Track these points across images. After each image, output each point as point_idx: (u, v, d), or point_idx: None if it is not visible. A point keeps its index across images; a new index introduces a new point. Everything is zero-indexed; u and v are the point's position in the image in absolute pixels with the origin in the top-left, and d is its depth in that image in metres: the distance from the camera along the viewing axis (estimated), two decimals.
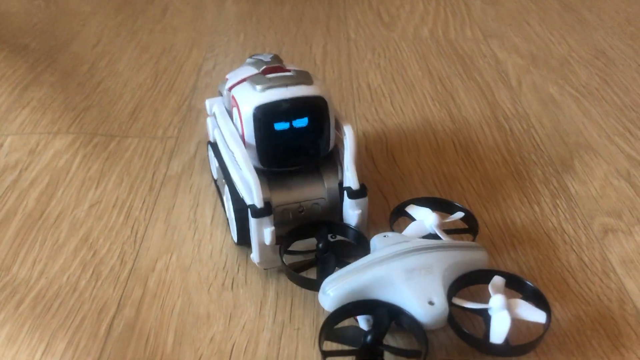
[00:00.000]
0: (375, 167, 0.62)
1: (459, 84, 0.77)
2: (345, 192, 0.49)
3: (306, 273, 0.48)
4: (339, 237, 0.50)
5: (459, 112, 0.71)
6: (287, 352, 0.44)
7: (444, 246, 0.45)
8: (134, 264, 0.51)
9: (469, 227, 0.51)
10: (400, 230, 0.49)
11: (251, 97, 0.47)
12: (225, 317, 0.46)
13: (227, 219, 0.54)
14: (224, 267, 0.50)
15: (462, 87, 0.76)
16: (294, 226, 0.49)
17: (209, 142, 0.58)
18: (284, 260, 0.47)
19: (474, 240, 0.49)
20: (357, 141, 0.49)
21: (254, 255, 0.48)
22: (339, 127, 0.50)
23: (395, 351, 0.42)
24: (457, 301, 0.42)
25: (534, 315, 0.41)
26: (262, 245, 0.47)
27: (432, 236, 0.48)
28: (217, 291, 0.48)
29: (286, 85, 0.47)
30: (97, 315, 0.47)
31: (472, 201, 0.57)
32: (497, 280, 0.43)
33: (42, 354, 0.43)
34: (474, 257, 0.45)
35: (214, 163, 0.57)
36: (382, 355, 0.40)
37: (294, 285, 0.49)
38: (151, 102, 0.74)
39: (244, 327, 0.46)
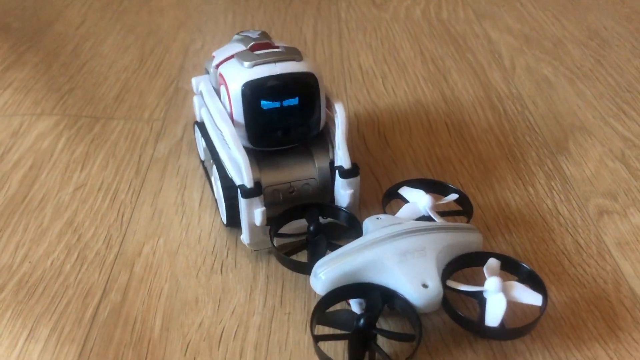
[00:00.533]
0: (367, 148, 0.61)
1: (452, 65, 0.75)
2: (336, 172, 0.48)
3: (297, 256, 0.47)
4: (330, 220, 0.49)
5: (451, 93, 0.70)
6: (278, 337, 0.43)
7: (437, 228, 0.44)
8: (120, 248, 0.50)
9: (463, 210, 0.50)
10: (393, 213, 0.47)
11: (239, 74, 0.46)
12: (214, 302, 0.45)
13: (216, 201, 0.52)
14: (212, 251, 0.49)
15: (455, 68, 0.75)
16: (284, 208, 0.47)
17: (196, 122, 0.57)
18: (274, 243, 0.46)
19: (468, 222, 0.48)
20: (348, 119, 0.48)
21: (244, 237, 0.47)
22: (329, 106, 0.49)
23: (389, 335, 0.41)
24: (452, 284, 0.42)
25: (530, 297, 0.40)
26: (252, 226, 0.46)
27: (426, 218, 0.47)
28: (206, 275, 0.47)
29: (275, 61, 0.46)
30: (82, 301, 0.45)
31: (466, 183, 0.56)
32: (492, 262, 0.42)
33: (26, 340, 0.42)
34: (468, 239, 0.44)
35: (201, 143, 0.55)
36: (375, 339, 0.39)
37: (285, 268, 0.48)
38: (137, 84, 0.72)
39: (233, 311, 0.44)
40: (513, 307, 0.41)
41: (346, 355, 0.40)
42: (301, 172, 0.48)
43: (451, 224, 0.45)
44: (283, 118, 0.46)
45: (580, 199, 0.55)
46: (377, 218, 0.45)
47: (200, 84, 0.52)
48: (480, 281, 0.41)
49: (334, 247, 0.44)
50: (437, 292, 0.40)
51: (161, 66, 0.75)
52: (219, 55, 0.50)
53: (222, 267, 0.48)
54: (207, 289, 0.46)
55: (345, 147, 0.47)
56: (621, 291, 0.46)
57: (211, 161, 0.50)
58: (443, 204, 0.49)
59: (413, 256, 0.41)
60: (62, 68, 0.75)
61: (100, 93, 0.70)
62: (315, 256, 0.44)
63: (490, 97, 0.69)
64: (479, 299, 0.41)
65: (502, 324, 0.39)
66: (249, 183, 0.44)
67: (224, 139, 0.47)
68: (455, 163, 0.59)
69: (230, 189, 0.47)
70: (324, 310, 0.41)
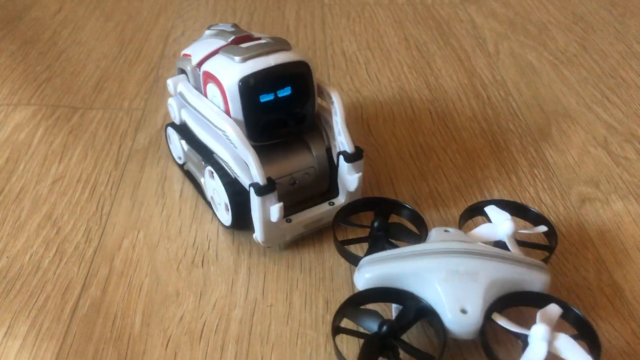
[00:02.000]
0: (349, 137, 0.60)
1: (436, 51, 0.75)
2: (341, 157, 0.47)
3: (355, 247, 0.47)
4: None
5: (435, 80, 0.69)
6: (260, 329, 0.42)
7: (501, 257, 0.40)
8: (99, 242, 0.49)
9: (548, 244, 0.45)
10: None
11: (232, 70, 0.44)
12: (195, 296, 0.45)
13: (209, 204, 0.51)
14: (193, 244, 0.49)
15: (439, 54, 0.74)
16: (287, 201, 0.46)
17: (169, 125, 0.55)
18: (335, 234, 0.45)
19: (549, 257, 0.43)
20: (344, 105, 0.48)
21: (258, 235, 0.46)
22: (320, 93, 0.48)
23: (407, 349, 0.38)
24: (497, 317, 0.38)
25: (578, 357, 0.36)
26: (267, 223, 0.45)
27: (502, 244, 0.43)
28: (187, 269, 0.47)
29: (267, 53, 0.45)
30: (61, 296, 0.45)
31: (449, 172, 0.56)
32: (552, 308, 0.38)
33: (3, 337, 0.42)
34: (531, 277, 0.40)
35: (179, 146, 0.53)
36: (394, 349, 0.37)
37: (267, 260, 0.47)
38: (116, 73, 0.71)
39: (215, 305, 0.44)
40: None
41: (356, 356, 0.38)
42: (300, 163, 0.48)
43: (521, 256, 0.41)
44: (282, 109, 0.46)
45: (563, 187, 0.55)
46: (446, 230, 0.43)
47: (178, 84, 0.50)
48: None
49: (392, 247, 0.43)
50: (475, 320, 0.37)
51: (141, 54, 0.74)
52: (196, 52, 0.49)
53: (203, 259, 0.47)
54: (188, 282, 0.46)
55: (347, 132, 0.47)
56: (602, 279, 0.46)
57: (202, 163, 0.49)
58: (526, 233, 0.45)
59: (461, 278, 0.38)
60: (39, 56, 0.73)
61: (79, 82, 0.69)
62: (371, 252, 0.43)
63: (474, 84, 0.69)
64: (523, 343, 0.37)
65: None
66: (261, 180, 0.43)
67: (222, 139, 0.46)
68: (438, 151, 0.59)
69: (238, 194, 0.46)
70: (356, 305, 0.40)
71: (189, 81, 0.50)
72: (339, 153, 0.48)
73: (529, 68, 0.71)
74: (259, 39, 0.47)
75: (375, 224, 0.45)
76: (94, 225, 0.51)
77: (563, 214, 0.52)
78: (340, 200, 0.49)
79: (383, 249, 0.43)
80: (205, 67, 0.47)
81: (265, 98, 0.45)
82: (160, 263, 0.47)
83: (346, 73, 0.71)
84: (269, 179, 0.44)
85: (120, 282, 0.46)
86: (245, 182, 0.45)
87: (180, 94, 0.50)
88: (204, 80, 0.47)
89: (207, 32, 0.51)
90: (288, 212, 0.47)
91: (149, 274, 0.46)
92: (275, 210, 0.44)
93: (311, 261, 0.48)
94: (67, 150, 0.59)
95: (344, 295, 0.44)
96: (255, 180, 0.44)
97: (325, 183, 0.50)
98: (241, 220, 0.47)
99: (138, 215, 0.51)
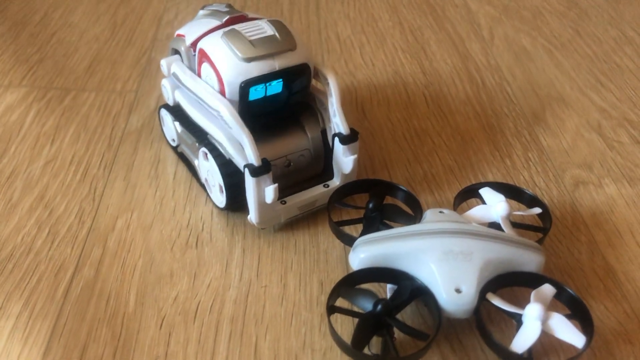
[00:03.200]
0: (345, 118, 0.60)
1: (431, 36, 0.74)
2: (336, 139, 0.47)
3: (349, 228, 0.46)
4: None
5: (430, 65, 0.69)
6: (254, 310, 0.42)
7: (496, 237, 0.40)
8: (92, 223, 0.49)
9: (542, 226, 0.46)
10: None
11: (235, 69, 0.44)
12: (189, 276, 0.45)
13: (203, 186, 0.51)
14: (187, 225, 0.49)
15: (434, 39, 0.74)
16: (281, 183, 0.46)
17: (163, 107, 0.54)
18: (330, 215, 0.45)
19: (543, 239, 0.44)
20: (340, 87, 0.48)
21: (252, 217, 0.46)
22: (317, 75, 0.48)
23: (401, 327, 0.38)
24: (491, 297, 0.38)
25: (571, 336, 0.36)
26: (262, 204, 0.45)
27: (496, 226, 0.43)
28: (181, 250, 0.47)
29: (273, 55, 0.45)
30: (54, 277, 0.44)
31: (443, 155, 0.56)
32: (546, 288, 0.38)
33: None
34: (526, 257, 0.40)
35: (174, 128, 0.53)
36: (388, 327, 0.38)
37: (261, 242, 0.47)
38: (109, 55, 0.70)
39: (209, 285, 0.44)
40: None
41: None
42: (295, 145, 0.48)
43: (515, 237, 0.41)
44: (278, 102, 0.46)
45: (557, 170, 0.55)
46: (440, 211, 0.43)
47: (172, 65, 0.50)
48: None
49: (387, 228, 0.43)
50: (469, 300, 0.37)
51: (133, 36, 0.73)
52: (190, 33, 0.49)
53: (197, 241, 0.47)
54: (182, 263, 0.46)
55: (342, 114, 0.47)
56: (595, 261, 0.47)
57: (196, 144, 0.49)
58: (520, 215, 0.46)
59: (456, 258, 0.39)
60: (30, 38, 0.72)
61: (71, 64, 0.68)
62: (366, 232, 0.43)
63: (468, 69, 0.68)
64: (517, 322, 0.38)
65: (529, 353, 0.36)
66: (256, 161, 0.43)
67: (217, 119, 0.45)
68: (433, 135, 0.59)
69: (232, 175, 0.45)
70: (351, 285, 0.40)
71: (182, 62, 0.50)
72: (334, 135, 0.47)
73: (523, 53, 0.71)
74: (255, 19, 0.47)
75: (370, 205, 0.45)
76: (87, 206, 0.50)
77: (557, 197, 0.52)
78: (335, 182, 0.49)
79: (378, 230, 0.43)
80: (201, 45, 0.46)
81: (260, 95, 0.45)
82: (154, 244, 0.47)
83: (340, 57, 0.70)
84: (263, 160, 0.44)
85: (113, 262, 0.45)
86: (239, 163, 0.45)
87: (174, 75, 0.50)
88: (199, 60, 0.47)
89: (201, 12, 0.51)
90: (283, 194, 0.47)
91: (142, 254, 0.46)
92: (270, 192, 0.44)
93: (305, 243, 0.47)
94: (60, 132, 0.58)
95: (338, 277, 0.44)
96: (250, 161, 0.44)
97: (320, 165, 0.50)
98: (236, 201, 0.47)
99: (131, 196, 0.51)
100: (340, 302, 0.40)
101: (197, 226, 0.48)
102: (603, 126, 0.60)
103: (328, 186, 0.48)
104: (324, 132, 0.49)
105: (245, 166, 0.44)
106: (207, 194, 0.51)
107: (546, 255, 0.46)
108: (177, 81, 0.50)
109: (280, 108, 0.48)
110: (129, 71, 0.67)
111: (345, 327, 0.41)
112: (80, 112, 0.61)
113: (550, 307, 0.38)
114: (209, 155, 0.47)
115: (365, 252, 0.40)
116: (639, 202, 0.52)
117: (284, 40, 0.45)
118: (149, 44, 0.72)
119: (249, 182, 0.44)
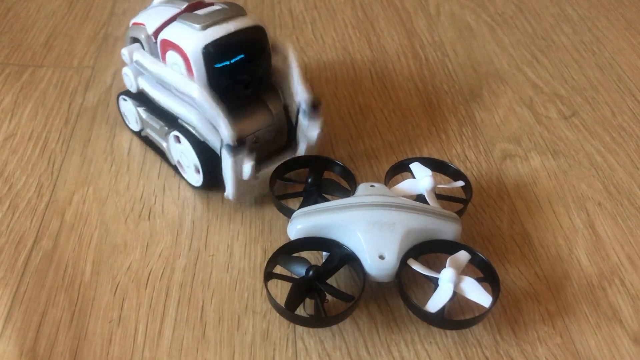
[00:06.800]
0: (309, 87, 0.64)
1: (380, 12, 0.77)
2: (299, 113, 0.50)
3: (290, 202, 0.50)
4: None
5: (377, 41, 0.72)
6: (202, 277, 0.46)
7: (418, 209, 0.44)
8: (51, 197, 0.52)
9: (464, 198, 0.50)
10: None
11: (194, 37, 0.46)
12: (142, 246, 0.48)
13: (176, 168, 0.53)
14: (140, 198, 0.52)
15: (383, 15, 0.77)
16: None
17: (123, 93, 0.56)
18: (272, 188, 0.49)
19: (463, 209, 0.48)
20: (299, 62, 0.50)
21: (229, 193, 0.49)
22: (274, 50, 0.51)
23: (329, 290, 0.42)
24: (412, 263, 0.43)
25: (479, 297, 0.41)
26: (239, 181, 0.48)
27: (422, 198, 0.48)
28: (134, 222, 0.50)
29: (225, 20, 0.47)
30: (14, 248, 0.48)
31: (384, 131, 0.60)
32: (461, 255, 0.43)
33: None
34: (444, 226, 0.44)
35: (135, 114, 0.55)
36: (318, 291, 0.42)
37: (210, 215, 0.51)
38: (66, 30, 0.72)
39: (160, 254, 0.48)
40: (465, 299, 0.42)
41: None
42: (260, 121, 0.51)
43: (436, 209, 0.45)
44: (242, 71, 0.48)
45: (487, 144, 0.59)
46: (372, 185, 0.47)
47: (134, 53, 0.51)
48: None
49: (324, 201, 0.47)
50: (391, 265, 0.42)
51: (90, 11, 0.75)
52: (150, 21, 0.50)
53: (150, 213, 0.51)
54: (136, 234, 0.49)
55: (304, 89, 0.50)
56: (514, 229, 0.51)
57: (166, 128, 0.51)
58: (444, 187, 0.50)
59: (381, 228, 0.43)
60: None
61: (28, 39, 0.70)
62: (304, 205, 0.46)
63: (413, 45, 0.72)
64: (435, 285, 0.42)
65: (441, 312, 0.41)
66: (232, 140, 0.46)
67: (187, 103, 0.48)
68: (375, 111, 0.62)
69: (207, 152, 0.48)
70: (288, 254, 0.43)
71: (144, 49, 0.52)
72: (298, 109, 0.50)
73: (467, 29, 0.75)
74: (212, 4, 0.49)
75: (309, 180, 0.49)
76: (46, 181, 0.53)
77: (485, 169, 0.56)
78: (301, 152, 0.52)
79: (315, 202, 0.47)
80: (164, 35, 0.48)
81: (224, 63, 0.47)
82: (109, 216, 0.50)
83: (292, 32, 0.73)
84: (239, 139, 0.46)
85: (71, 234, 0.49)
86: (214, 143, 0.48)
87: (137, 63, 0.51)
88: (162, 49, 0.49)
89: (156, 0, 0.53)
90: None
91: (98, 226, 0.50)
92: (247, 168, 0.47)
93: (252, 215, 0.51)
94: (18, 108, 0.60)
95: (280, 246, 0.49)
96: (227, 142, 0.46)
97: (283, 139, 0.53)
98: (212, 179, 0.50)
99: (88, 171, 0.54)
100: (281, 270, 0.44)
101: (150, 199, 0.52)
102: (534, 101, 0.65)
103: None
104: (285, 108, 0.52)
105: (222, 146, 0.47)
106: (181, 176, 0.53)
107: (470, 224, 0.51)
108: (140, 68, 0.51)
109: (250, 77, 0.49)
110: (85, 47, 0.69)
111: (284, 292, 0.45)
112: (38, 88, 0.63)
113: (464, 271, 0.43)
114: (182, 138, 0.50)
115: (302, 224, 0.44)
116: (560, 174, 0.57)
117: (234, 8, 0.48)
118: (105, 20, 0.73)
119: (227, 160, 0.47)
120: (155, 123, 0.53)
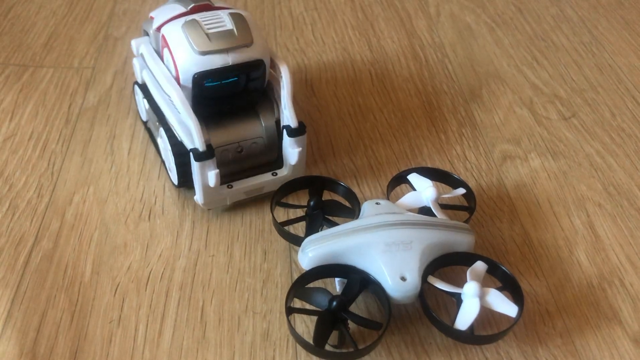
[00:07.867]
0: (293, 98, 0.63)
1: (380, 12, 0.78)
2: (284, 131, 0.50)
3: (293, 228, 0.49)
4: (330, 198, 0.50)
5: (377, 42, 0.72)
6: (202, 277, 0.46)
7: (429, 224, 0.44)
8: (51, 197, 0.52)
9: (468, 205, 0.50)
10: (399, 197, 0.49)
11: (190, 60, 0.46)
12: (142, 247, 0.48)
13: (163, 162, 0.54)
14: (141, 199, 0.52)
15: (383, 16, 0.77)
16: (233, 167, 0.49)
17: (136, 83, 0.57)
18: (274, 214, 0.47)
19: (469, 217, 0.48)
20: (293, 80, 0.50)
21: (198, 197, 0.49)
22: (273, 66, 0.50)
23: (357, 320, 0.41)
24: (432, 280, 0.42)
25: (506, 307, 0.41)
26: (206, 187, 0.48)
27: (427, 210, 0.47)
28: (134, 222, 0.50)
29: (227, 50, 0.46)
30: (14, 248, 0.48)
31: (384, 131, 0.60)
32: (478, 265, 0.42)
33: None
34: (458, 239, 0.44)
35: (142, 105, 0.56)
36: (344, 322, 0.40)
37: (210, 214, 0.51)
38: (66, 31, 0.72)
39: (160, 255, 0.48)
40: (489, 311, 0.41)
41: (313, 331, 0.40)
42: (249, 132, 0.50)
43: (446, 221, 0.45)
44: (229, 93, 0.48)
45: (487, 145, 0.59)
46: (377, 203, 0.46)
47: (140, 46, 0.52)
48: (464, 282, 0.41)
49: (330, 224, 0.46)
50: (414, 286, 0.41)
51: (91, 12, 0.75)
52: (158, 17, 0.51)
53: (150, 213, 0.51)
54: (136, 234, 0.49)
55: (292, 107, 0.49)
56: (514, 229, 0.51)
57: (157, 124, 0.51)
58: (447, 197, 0.50)
59: (398, 248, 0.42)
60: None
61: (29, 40, 0.70)
62: (310, 230, 0.45)
63: (413, 46, 0.72)
64: (457, 300, 0.41)
65: (471, 329, 0.40)
66: (201, 146, 0.46)
67: (172, 103, 0.48)
68: (375, 112, 0.62)
69: (182, 155, 0.48)
70: (304, 285, 0.42)
71: (151, 43, 0.52)
72: (283, 127, 0.50)
73: (467, 30, 0.75)
74: (219, 8, 0.49)
75: (312, 204, 0.47)
76: (46, 181, 0.53)
77: (485, 171, 0.57)
78: (284, 172, 0.51)
79: (321, 226, 0.46)
80: (164, 31, 0.48)
81: (214, 83, 0.47)
82: (109, 217, 0.50)
83: (292, 33, 0.73)
84: (208, 146, 0.46)
85: (71, 234, 0.49)
86: (188, 146, 0.48)
87: (142, 56, 0.52)
88: (162, 44, 0.49)
89: None
90: (232, 178, 0.50)
91: (98, 227, 0.50)
92: (212, 176, 0.47)
93: (252, 215, 0.51)
94: (18, 109, 0.60)
95: (281, 246, 0.49)
96: (195, 146, 0.46)
97: (274, 153, 0.52)
98: (186, 181, 0.50)
99: (88, 171, 0.54)
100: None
101: (150, 200, 0.52)
102: (534, 102, 0.65)
103: (276, 174, 0.51)
104: (278, 122, 0.51)
105: (190, 150, 0.47)
106: (167, 171, 0.54)
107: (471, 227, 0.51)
108: (143, 62, 0.52)
109: (237, 93, 0.49)
110: (86, 47, 0.69)
111: (299, 323, 0.44)
112: (39, 88, 0.63)
113: (483, 282, 0.42)
114: (164, 135, 0.50)
115: (314, 252, 0.42)
116: (559, 174, 0.57)
117: (241, 35, 0.47)
118: (105, 20, 0.74)
119: (194, 165, 0.47)
120: (153, 117, 0.53)
